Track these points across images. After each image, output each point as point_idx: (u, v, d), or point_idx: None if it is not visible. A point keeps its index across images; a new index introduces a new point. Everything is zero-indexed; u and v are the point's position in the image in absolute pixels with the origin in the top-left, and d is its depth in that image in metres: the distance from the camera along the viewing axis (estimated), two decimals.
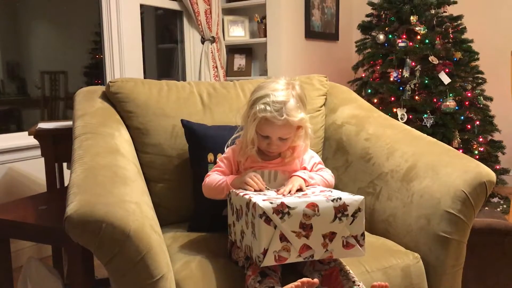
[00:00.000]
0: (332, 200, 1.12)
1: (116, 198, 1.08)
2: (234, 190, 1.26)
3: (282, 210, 1.08)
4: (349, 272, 1.16)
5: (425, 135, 1.62)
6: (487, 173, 1.33)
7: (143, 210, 1.10)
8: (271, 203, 1.08)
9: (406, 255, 1.33)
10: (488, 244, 1.70)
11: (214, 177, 1.36)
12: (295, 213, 1.09)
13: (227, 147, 1.44)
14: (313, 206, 1.10)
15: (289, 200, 1.10)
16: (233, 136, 1.44)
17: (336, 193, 1.17)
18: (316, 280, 1.07)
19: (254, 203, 1.09)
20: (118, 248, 1.02)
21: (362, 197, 1.14)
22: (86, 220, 1.00)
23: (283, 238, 1.09)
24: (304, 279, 1.06)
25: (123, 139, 1.47)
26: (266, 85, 1.32)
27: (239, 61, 3.84)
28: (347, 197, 1.13)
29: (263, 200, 1.11)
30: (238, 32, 3.82)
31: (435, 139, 1.57)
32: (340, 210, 1.12)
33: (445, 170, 1.37)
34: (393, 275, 1.27)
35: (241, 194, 1.20)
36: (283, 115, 1.26)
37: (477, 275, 1.70)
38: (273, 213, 1.08)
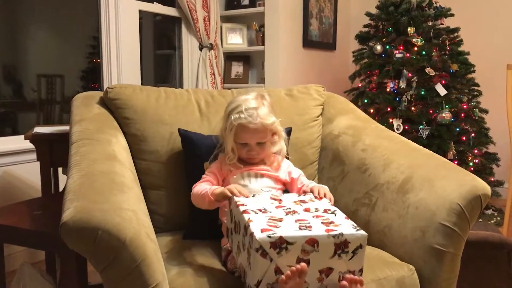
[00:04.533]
0: (334, 236, 1.06)
1: (113, 205, 1.07)
2: (234, 198, 1.25)
3: (280, 245, 1.05)
4: None
5: (422, 147, 1.63)
6: (483, 186, 1.34)
7: (139, 218, 1.10)
8: (269, 236, 1.04)
9: (401, 266, 1.34)
10: (482, 257, 1.71)
11: (201, 186, 1.40)
12: (293, 248, 1.05)
13: (210, 162, 1.50)
14: (312, 241, 1.06)
15: (288, 233, 1.05)
16: (214, 152, 1.51)
17: (339, 222, 1.12)
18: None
19: (252, 233, 1.05)
20: (114, 256, 1.01)
21: (366, 234, 1.09)
22: (82, 227, 0.99)
23: (278, 271, 1.06)
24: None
25: (120, 145, 1.46)
26: (237, 98, 1.44)
27: (237, 68, 3.85)
28: (350, 233, 1.07)
29: (261, 227, 1.07)
30: (236, 40, 3.83)
31: (431, 152, 1.58)
32: (341, 246, 1.07)
33: (440, 183, 1.38)
34: (388, 286, 1.27)
35: (240, 208, 1.17)
36: (257, 119, 1.36)
37: (469, 285, 1.71)
38: (270, 248, 1.04)
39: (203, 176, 1.46)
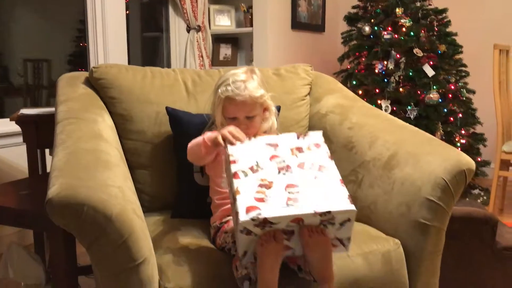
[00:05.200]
0: (320, 214, 1.04)
1: (98, 182, 1.07)
2: (227, 149, 1.19)
3: (264, 224, 1.04)
4: None
5: (408, 124, 1.64)
6: (467, 161, 1.35)
7: (125, 194, 1.10)
8: (253, 219, 1.01)
9: (387, 241, 1.35)
10: (467, 233, 1.73)
11: (196, 139, 1.37)
12: (277, 226, 1.05)
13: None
14: (298, 220, 1.05)
15: (273, 214, 1.02)
16: (204, 130, 1.46)
17: (330, 191, 1.07)
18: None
19: (237, 213, 1.03)
20: (100, 232, 1.02)
21: (355, 210, 1.05)
22: (68, 203, 0.99)
23: None
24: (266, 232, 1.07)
25: (106, 125, 1.46)
26: (227, 73, 1.42)
27: (225, 50, 3.83)
28: (338, 210, 1.04)
29: (247, 203, 1.04)
30: (224, 22, 3.80)
31: (417, 128, 1.59)
32: (328, 220, 1.06)
33: (426, 158, 1.39)
34: (374, 260, 1.29)
35: (232, 168, 1.12)
36: (245, 91, 1.34)
37: (456, 263, 1.73)
38: (254, 227, 1.04)
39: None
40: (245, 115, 1.37)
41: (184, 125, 1.54)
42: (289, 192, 1.07)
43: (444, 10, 3.43)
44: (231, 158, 1.15)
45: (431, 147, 1.44)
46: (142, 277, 1.06)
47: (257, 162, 1.14)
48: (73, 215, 1.00)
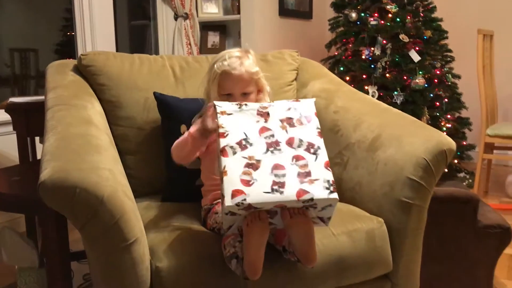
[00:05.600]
0: (304, 201, 1.07)
1: (89, 165, 1.10)
2: (219, 116, 1.17)
3: (248, 208, 1.07)
4: None
5: (392, 107, 1.68)
6: (448, 141, 1.39)
7: (116, 177, 1.13)
8: (238, 205, 1.04)
9: (371, 219, 1.40)
10: (449, 212, 1.78)
11: (179, 138, 1.39)
12: (262, 209, 1.09)
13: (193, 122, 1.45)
14: (281, 205, 1.09)
15: (258, 200, 1.05)
16: (200, 112, 1.46)
17: (316, 174, 1.10)
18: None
19: (223, 196, 1.06)
20: (92, 213, 1.04)
21: (337, 198, 1.09)
22: (60, 185, 1.02)
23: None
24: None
25: (95, 110, 1.48)
26: (222, 52, 1.43)
27: (213, 38, 3.84)
28: (321, 197, 1.08)
29: (234, 186, 1.06)
30: (211, 9, 3.80)
31: (400, 111, 1.63)
32: (311, 205, 1.10)
33: (408, 140, 1.44)
34: (358, 238, 1.33)
35: (221, 143, 1.12)
36: (241, 65, 1.35)
37: (439, 241, 1.79)
38: (239, 210, 1.07)
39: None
40: (240, 91, 1.37)
41: (172, 110, 1.57)
42: (275, 175, 1.09)
43: None
44: (220, 130, 1.15)
45: (413, 129, 1.49)
46: (134, 256, 1.10)
47: (246, 135, 1.14)
48: (65, 197, 1.02)
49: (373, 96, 3.30)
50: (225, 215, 1.09)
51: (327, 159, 1.15)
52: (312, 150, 1.15)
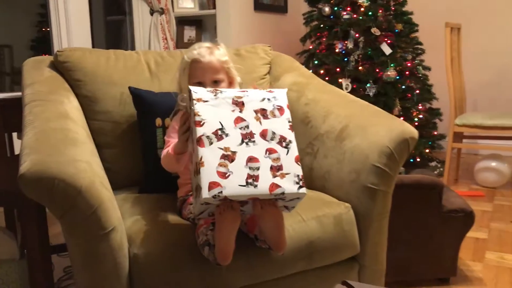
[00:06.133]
0: (275, 195, 1.14)
1: (67, 157, 1.14)
2: (194, 107, 1.18)
3: (223, 200, 1.12)
4: None
5: (358, 99, 1.75)
6: (410, 130, 1.47)
7: (93, 169, 1.18)
8: (214, 197, 1.09)
9: (338, 205, 1.47)
10: (416, 198, 1.87)
11: (164, 152, 1.41)
12: (235, 200, 1.15)
13: (171, 119, 1.51)
14: (254, 198, 1.15)
15: (233, 192, 1.11)
16: (174, 109, 1.51)
17: (287, 168, 1.15)
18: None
19: (200, 189, 1.10)
20: (71, 203, 1.09)
21: (305, 193, 1.16)
22: (39, 177, 1.06)
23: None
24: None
25: (72, 105, 1.52)
26: (193, 45, 1.48)
27: (189, 33, 3.87)
28: (291, 192, 1.14)
29: (210, 178, 1.10)
30: (187, 4, 3.83)
31: (367, 102, 1.71)
32: (281, 198, 1.16)
33: (373, 129, 1.51)
34: (327, 222, 1.41)
35: (198, 132, 1.14)
36: (211, 54, 1.40)
37: (406, 225, 1.88)
38: (214, 201, 1.12)
39: (166, 140, 1.46)
40: (211, 79, 1.41)
41: (146, 104, 1.62)
42: (250, 168, 1.14)
43: None
44: (197, 118, 1.16)
45: (378, 119, 1.57)
46: (111, 244, 1.15)
47: (222, 125, 1.17)
48: (44, 188, 1.07)
49: (346, 88, 3.38)
50: (200, 205, 1.15)
51: (297, 153, 1.20)
52: (284, 144, 1.19)
